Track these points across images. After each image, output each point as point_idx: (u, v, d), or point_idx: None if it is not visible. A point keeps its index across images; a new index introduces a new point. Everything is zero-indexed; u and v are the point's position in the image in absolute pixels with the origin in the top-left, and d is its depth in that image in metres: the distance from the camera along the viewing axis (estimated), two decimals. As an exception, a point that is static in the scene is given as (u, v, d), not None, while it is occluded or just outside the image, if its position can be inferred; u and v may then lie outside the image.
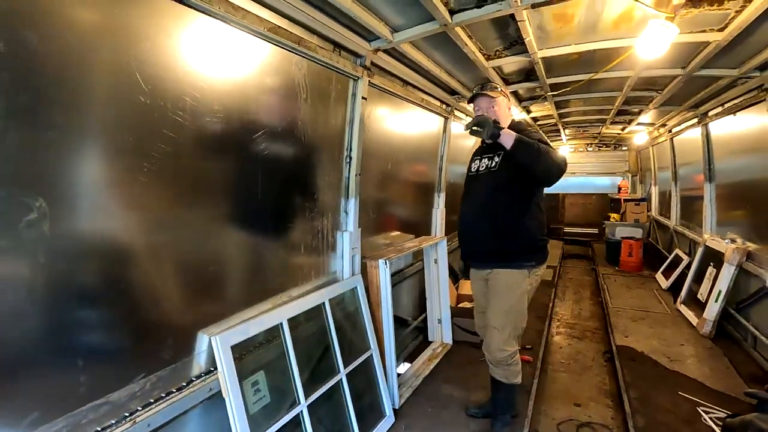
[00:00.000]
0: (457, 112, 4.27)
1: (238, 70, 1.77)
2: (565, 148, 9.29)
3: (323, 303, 2.33)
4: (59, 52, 1.19)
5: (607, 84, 3.92)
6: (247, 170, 1.92)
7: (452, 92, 3.80)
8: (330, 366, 2.28)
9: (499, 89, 2.34)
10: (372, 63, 2.57)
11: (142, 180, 1.44)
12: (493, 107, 2.30)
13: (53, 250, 1.22)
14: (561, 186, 9.49)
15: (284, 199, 2.21)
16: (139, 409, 1.43)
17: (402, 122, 3.44)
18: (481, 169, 2.36)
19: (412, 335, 3.83)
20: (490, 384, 2.49)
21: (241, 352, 1.80)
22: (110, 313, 1.42)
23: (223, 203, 1.82)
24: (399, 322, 3.54)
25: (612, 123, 6.40)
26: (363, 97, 2.56)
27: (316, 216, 2.44)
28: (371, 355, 2.61)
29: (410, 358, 3.51)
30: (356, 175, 2.62)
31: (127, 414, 1.39)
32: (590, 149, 9.78)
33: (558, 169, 2.04)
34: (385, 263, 2.77)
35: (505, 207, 2.23)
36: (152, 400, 1.48)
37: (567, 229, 9.73)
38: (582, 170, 9.87)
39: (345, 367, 2.34)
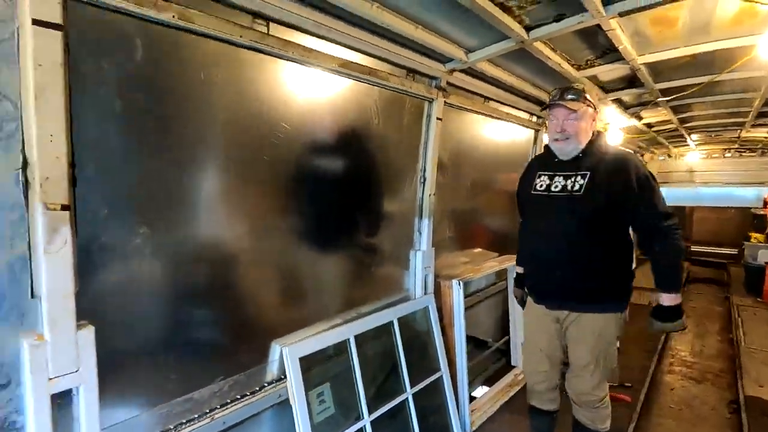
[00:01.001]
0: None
1: (317, 101, 1.94)
2: (694, 154, 8.06)
3: (392, 321, 2.39)
4: (188, 95, 1.47)
5: (737, 85, 3.34)
6: (325, 190, 2.08)
7: (542, 104, 3.59)
8: (396, 384, 2.33)
9: (585, 96, 1.95)
10: (447, 83, 2.58)
11: (239, 196, 1.69)
12: (571, 119, 1.93)
13: (161, 257, 1.48)
14: (689, 197, 8.29)
15: (359, 218, 2.33)
16: (217, 407, 1.64)
17: (485, 136, 3.36)
18: (554, 189, 2.01)
19: (493, 357, 3.68)
20: (572, 426, 2.26)
21: (309, 363, 1.94)
22: (203, 318, 1.66)
23: (303, 220, 2.00)
24: (478, 343, 3.44)
25: (754, 126, 5.38)
26: (438, 118, 2.57)
27: (389, 235, 2.52)
28: (441, 376, 2.59)
29: (489, 382, 3.39)
30: (430, 195, 2.64)
31: (207, 411, 1.61)
32: (728, 155, 8.31)
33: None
34: (459, 284, 2.73)
35: (595, 241, 1.91)
36: (229, 401, 1.69)
37: (695, 248, 8.39)
38: (717, 179, 8.40)
39: (412, 386, 2.37)
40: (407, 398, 2.33)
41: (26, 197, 1.11)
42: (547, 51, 2.39)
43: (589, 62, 2.75)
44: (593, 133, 2.03)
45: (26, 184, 1.11)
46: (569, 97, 1.95)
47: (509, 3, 1.85)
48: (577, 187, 1.95)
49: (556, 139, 2.00)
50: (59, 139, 1.13)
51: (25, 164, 1.11)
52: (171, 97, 1.45)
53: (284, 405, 1.87)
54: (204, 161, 1.58)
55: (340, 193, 2.17)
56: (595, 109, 2.03)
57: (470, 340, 3.21)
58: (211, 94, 1.55)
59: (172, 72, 1.44)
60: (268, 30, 1.63)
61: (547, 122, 2.05)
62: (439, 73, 2.45)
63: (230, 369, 1.73)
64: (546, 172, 2.10)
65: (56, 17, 1.08)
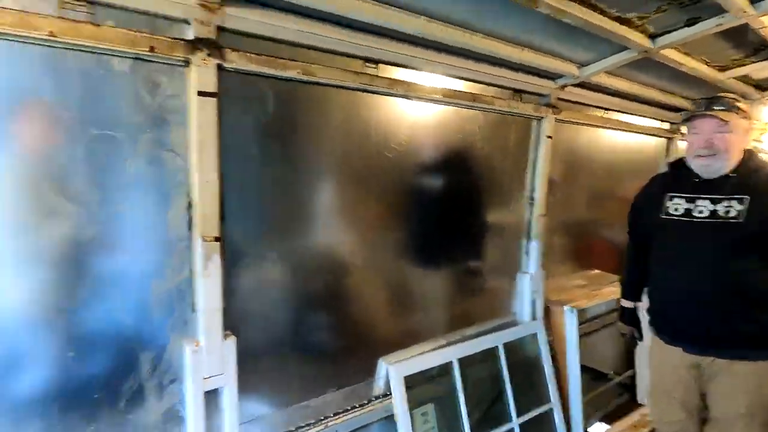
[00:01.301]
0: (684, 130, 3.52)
1: (421, 127, 2.02)
2: None
3: (497, 346, 2.33)
4: (322, 126, 1.71)
5: None
6: (432, 212, 2.15)
7: (674, 110, 3.18)
8: (502, 412, 2.27)
9: (738, 107, 1.68)
10: (558, 98, 2.46)
11: (356, 220, 1.86)
12: (721, 132, 1.66)
13: (287, 278, 1.69)
14: None
15: (464, 239, 2.35)
16: (331, 415, 1.81)
17: (604, 147, 3.09)
18: (698, 214, 1.73)
19: (615, 392, 3.32)
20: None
21: (413, 382, 2.01)
22: (320, 332, 1.85)
23: (410, 241, 2.10)
24: (596, 375, 3.15)
25: None
26: (548, 136, 2.46)
27: (495, 256, 2.49)
28: (551, 409, 2.45)
29: (609, 419, 3.07)
30: (539, 216, 2.53)
31: (322, 418, 1.78)
32: None
33: None
34: (572, 311, 2.56)
35: (758, 273, 1.65)
36: (340, 411, 1.84)
37: None
38: None
39: (519, 416, 2.28)
40: (513, 428, 2.25)
41: (190, 231, 1.40)
42: (678, 56, 2.13)
43: (737, 61, 2.36)
44: (745, 153, 1.74)
45: (190, 221, 1.39)
46: (718, 107, 1.69)
47: (628, 15, 1.71)
48: (734, 213, 1.67)
49: (700, 155, 1.74)
50: (213, 184, 1.39)
51: (190, 205, 1.39)
52: (296, 138, 1.66)
53: (390, 420, 1.97)
54: (324, 191, 1.78)
55: (446, 214, 2.22)
56: (751, 119, 1.75)
57: (587, 371, 2.96)
58: (328, 132, 1.74)
59: (296, 117, 1.65)
60: (377, 71, 1.77)
61: (686, 136, 1.82)
62: (549, 90, 2.35)
63: (342, 381, 1.89)
64: (681, 194, 1.82)
65: (213, 87, 1.34)
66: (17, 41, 1.09)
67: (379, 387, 2.00)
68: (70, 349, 1.25)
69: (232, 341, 1.49)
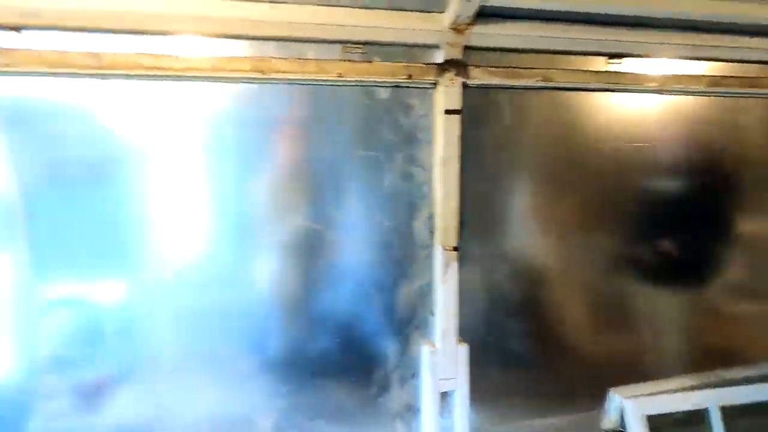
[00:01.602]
0: None
1: (668, 122, 1.72)
2: None
3: (775, 400, 1.80)
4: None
5: None
6: (674, 221, 1.83)
7: None
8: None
9: None
10: None
11: (581, 231, 1.72)
12: None
13: (514, 292, 1.66)
14: None
15: (716, 255, 1.91)
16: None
17: None
18: None
19: None
20: None
21: (654, 423, 1.72)
22: (545, 347, 1.75)
23: (646, 255, 1.83)
24: None
25: None
26: None
27: (763, 279, 1.94)
28: None
29: None
30: None
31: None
32: None
33: None
34: None
35: None
36: (567, 438, 1.71)
37: None
38: None
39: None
40: None
41: (431, 240, 1.50)
42: None
43: None
44: None
45: (432, 231, 1.49)
46: None
47: None
48: None
49: None
50: (454, 196, 1.46)
51: (431, 216, 1.49)
52: (528, 146, 1.61)
53: (626, 460, 1.73)
54: (551, 202, 1.68)
55: (692, 224, 1.85)
56: None
57: None
58: (559, 137, 1.63)
59: (528, 125, 1.59)
60: (621, 66, 1.57)
61: None
62: None
63: (565, 406, 1.76)
64: None
65: (458, 105, 1.41)
66: (316, 84, 1.35)
67: (610, 420, 1.78)
68: (337, 337, 1.49)
69: (464, 347, 1.53)
